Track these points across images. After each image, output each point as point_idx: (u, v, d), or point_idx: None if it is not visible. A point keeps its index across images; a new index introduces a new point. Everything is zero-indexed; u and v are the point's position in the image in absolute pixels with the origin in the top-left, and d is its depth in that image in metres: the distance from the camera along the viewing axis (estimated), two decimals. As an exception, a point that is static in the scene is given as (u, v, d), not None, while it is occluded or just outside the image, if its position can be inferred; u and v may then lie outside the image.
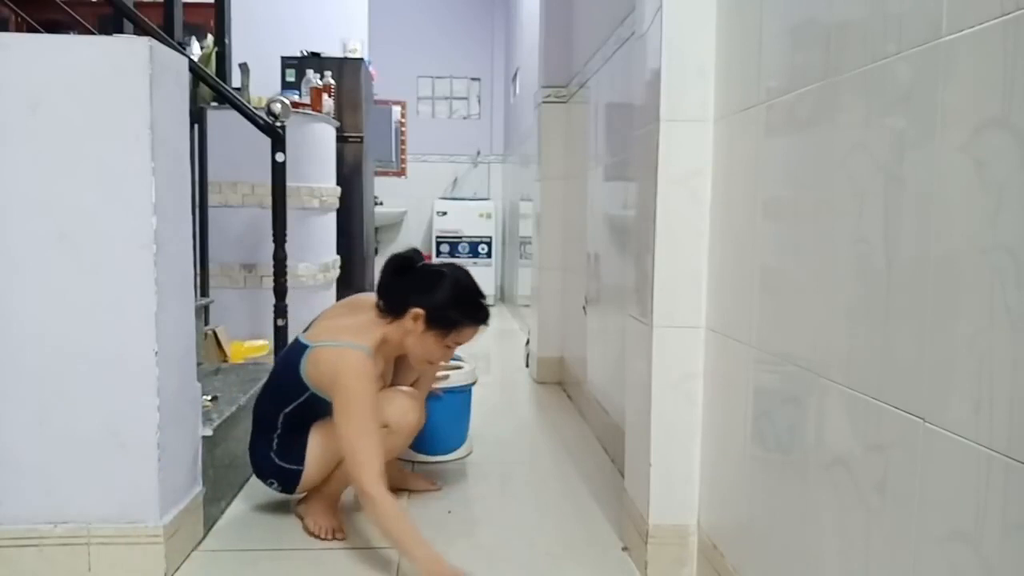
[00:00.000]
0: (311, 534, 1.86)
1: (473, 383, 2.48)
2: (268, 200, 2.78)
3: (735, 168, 1.46)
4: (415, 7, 7.05)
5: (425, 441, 2.30)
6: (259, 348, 3.02)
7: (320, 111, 3.78)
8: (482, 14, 7.21)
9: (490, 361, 4.40)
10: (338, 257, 3.94)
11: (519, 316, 5.38)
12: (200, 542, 1.82)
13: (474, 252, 6.67)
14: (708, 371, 1.59)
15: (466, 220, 6.73)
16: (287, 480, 1.89)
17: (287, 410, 1.86)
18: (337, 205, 3.88)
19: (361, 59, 5.15)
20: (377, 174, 6.27)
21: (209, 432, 1.87)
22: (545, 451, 2.64)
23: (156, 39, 1.64)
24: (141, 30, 2.34)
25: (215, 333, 2.85)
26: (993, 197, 0.75)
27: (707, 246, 1.58)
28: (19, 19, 3.87)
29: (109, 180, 1.55)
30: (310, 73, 3.99)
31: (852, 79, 1.02)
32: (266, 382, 1.97)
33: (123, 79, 1.54)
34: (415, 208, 7.09)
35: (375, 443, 1.69)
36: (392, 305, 1.84)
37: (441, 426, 2.34)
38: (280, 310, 2.76)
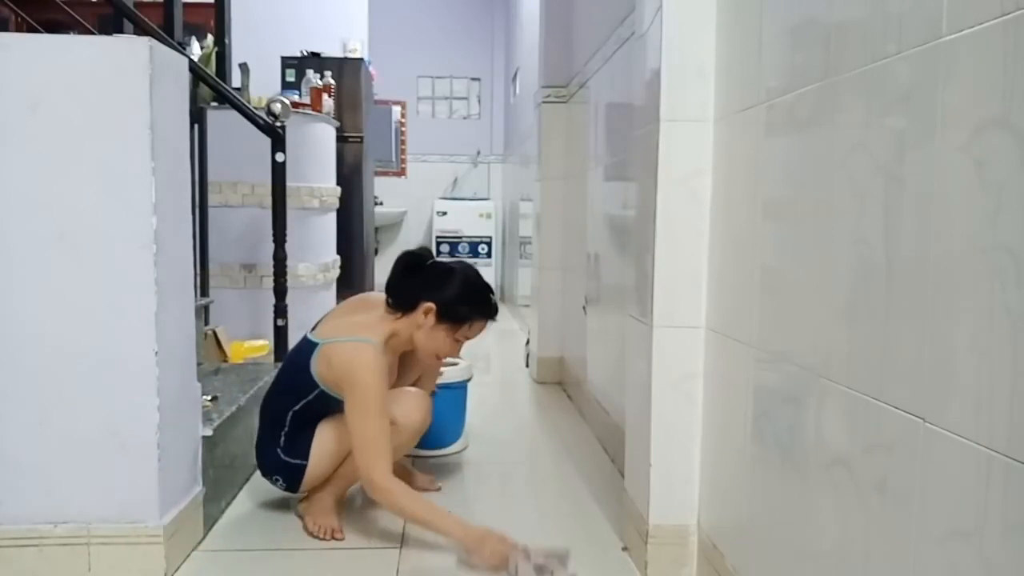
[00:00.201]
0: (310, 534, 1.86)
1: (468, 379, 2.54)
2: (268, 200, 2.79)
3: (735, 168, 1.46)
4: (415, 7, 7.06)
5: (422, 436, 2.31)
6: (259, 348, 3.02)
7: (320, 111, 3.78)
8: (482, 14, 7.21)
9: (490, 361, 4.39)
10: (338, 257, 3.94)
11: (519, 316, 5.38)
12: (200, 542, 1.82)
13: (474, 252, 6.67)
14: (708, 371, 1.59)
15: (466, 220, 6.73)
16: (291, 476, 1.90)
17: (295, 408, 1.88)
18: (337, 205, 3.88)
19: (361, 59, 5.15)
20: (377, 174, 6.27)
21: (209, 432, 1.87)
22: (545, 451, 2.64)
23: (156, 39, 1.64)
24: (141, 30, 2.34)
25: (215, 333, 2.85)
26: (993, 197, 0.75)
27: (707, 246, 1.58)
28: (19, 19, 3.87)
29: (109, 180, 1.55)
30: (310, 73, 4.00)
31: (852, 79, 1.02)
32: (273, 382, 1.99)
33: (123, 79, 1.54)
34: (415, 208, 7.09)
35: (386, 437, 1.74)
36: (403, 301, 1.88)
37: (437, 421, 2.35)
38: (280, 310, 2.76)
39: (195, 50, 3.43)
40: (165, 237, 1.60)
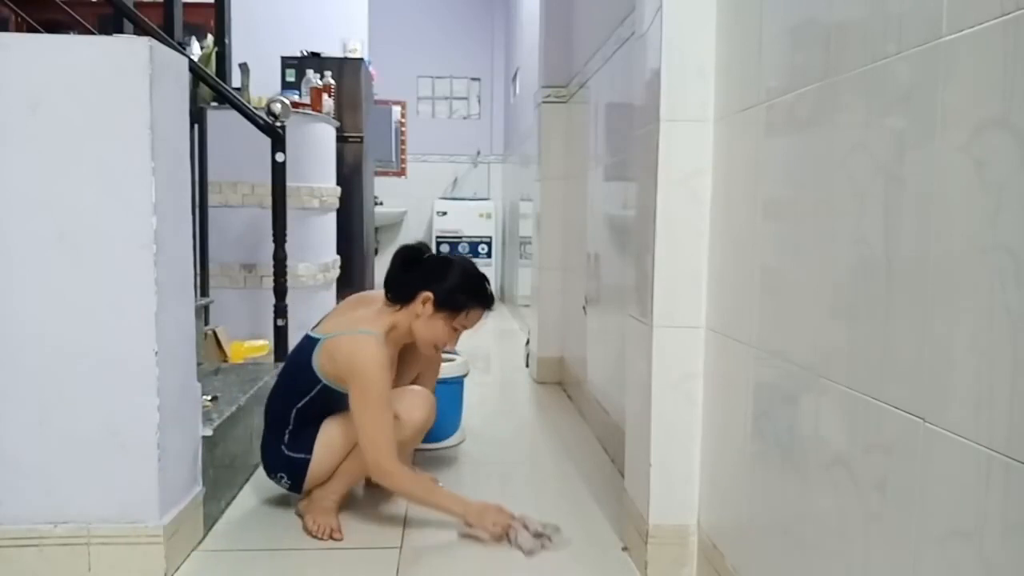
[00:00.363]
0: (310, 533, 1.87)
1: (465, 375, 2.60)
2: (268, 200, 2.79)
3: (735, 168, 1.46)
4: (415, 7, 7.06)
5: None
6: (259, 348, 3.02)
7: (320, 111, 3.78)
8: (482, 14, 7.21)
9: (490, 361, 4.39)
10: (338, 257, 3.94)
11: (519, 316, 5.37)
12: (200, 542, 1.82)
13: (474, 252, 6.67)
14: (708, 371, 1.59)
15: (466, 220, 6.73)
16: (295, 472, 1.91)
17: (299, 405, 1.90)
18: (337, 205, 3.88)
19: (361, 59, 5.15)
20: (377, 174, 6.27)
21: (209, 432, 1.88)
22: (545, 451, 2.64)
23: (156, 39, 1.64)
24: (141, 30, 2.34)
25: (215, 333, 2.85)
26: (993, 197, 0.75)
27: (707, 246, 1.58)
28: (19, 19, 3.88)
29: (109, 180, 1.55)
30: (310, 73, 4.00)
31: (852, 79, 1.02)
32: (276, 383, 2.01)
33: (123, 79, 1.54)
34: (415, 208, 7.09)
35: (390, 427, 1.80)
36: (401, 293, 1.92)
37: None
38: (280, 310, 2.77)
39: (195, 50, 3.43)
40: (165, 237, 1.60)
